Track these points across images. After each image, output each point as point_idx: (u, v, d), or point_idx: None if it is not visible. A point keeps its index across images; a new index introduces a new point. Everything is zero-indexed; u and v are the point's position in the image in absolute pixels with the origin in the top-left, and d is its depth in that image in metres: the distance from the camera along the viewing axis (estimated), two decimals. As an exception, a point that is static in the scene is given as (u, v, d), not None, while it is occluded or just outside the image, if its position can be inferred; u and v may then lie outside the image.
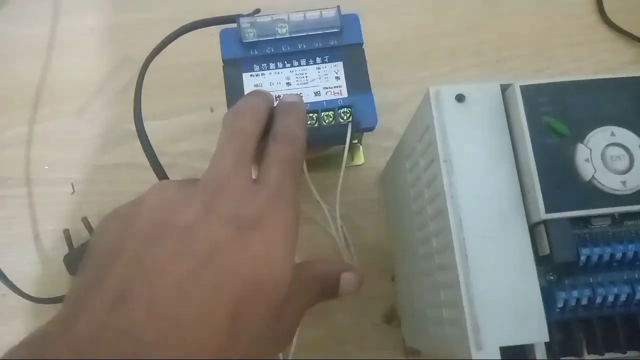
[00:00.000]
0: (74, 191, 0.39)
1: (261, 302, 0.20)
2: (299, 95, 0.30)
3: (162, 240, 0.20)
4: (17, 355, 0.17)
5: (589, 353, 0.22)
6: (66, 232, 0.38)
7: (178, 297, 0.19)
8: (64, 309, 0.19)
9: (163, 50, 0.32)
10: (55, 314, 0.18)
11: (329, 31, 0.31)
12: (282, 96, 0.30)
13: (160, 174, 0.32)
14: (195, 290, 0.19)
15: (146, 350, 0.17)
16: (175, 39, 0.32)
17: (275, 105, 0.28)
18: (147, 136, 0.31)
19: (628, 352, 0.22)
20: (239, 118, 0.25)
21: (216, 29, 0.32)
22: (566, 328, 0.22)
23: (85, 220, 0.38)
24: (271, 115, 0.26)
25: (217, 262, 0.19)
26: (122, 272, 0.19)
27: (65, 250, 0.37)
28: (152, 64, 0.33)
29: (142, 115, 0.31)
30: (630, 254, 0.22)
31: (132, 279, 0.19)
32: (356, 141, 0.39)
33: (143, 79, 0.32)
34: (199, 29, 0.33)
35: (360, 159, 0.40)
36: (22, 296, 0.36)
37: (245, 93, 0.31)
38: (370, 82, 0.31)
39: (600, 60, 0.42)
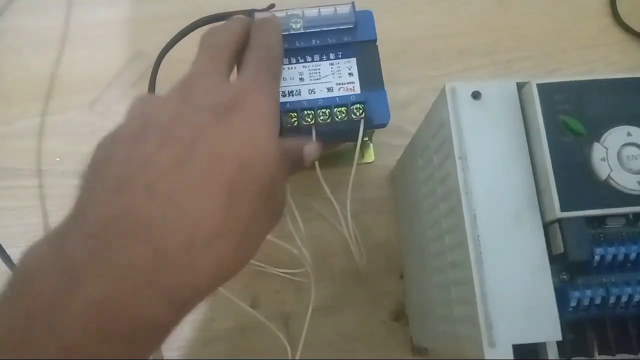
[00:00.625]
0: (84, 183, 0.40)
1: (252, 180, 0.21)
2: (272, 13, 0.30)
3: (147, 135, 0.21)
4: (38, 253, 0.19)
5: (600, 353, 0.22)
6: (76, 224, 0.38)
7: (173, 179, 0.20)
8: (70, 213, 0.20)
9: (176, 45, 0.33)
10: (59, 223, 0.19)
11: (343, 27, 0.31)
12: None
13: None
14: (188, 172, 0.20)
15: (153, 230, 0.19)
16: (190, 32, 0.32)
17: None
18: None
19: (640, 353, 0.22)
20: (214, 34, 0.26)
21: (229, 24, 0.32)
22: (578, 328, 0.22)
23: (95, 213, 0.38)
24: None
25: (203, 145, 0.21)
26: (116, 168, 0.20)
27: (75, 241, 0.37)
28: (164, 58, 0.33)
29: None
30: (644, 255, 0.22)
31: (126, 170, 0.20)
32: (367, 139, 0.39)
33: (157, 72, 0.32)
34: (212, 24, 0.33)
35: (370, 156, 0.40)
36: (32, 286, 0.36)
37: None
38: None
39: (612, 62, 0.42)
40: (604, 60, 0.42)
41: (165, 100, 0.22)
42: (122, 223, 0.19)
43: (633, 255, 0.22)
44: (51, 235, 0.19)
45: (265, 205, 0.22)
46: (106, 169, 0.20)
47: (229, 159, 0.21)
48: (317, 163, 0.31)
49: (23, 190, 0.39)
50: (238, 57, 0.27)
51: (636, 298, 0.22)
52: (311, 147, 0.28)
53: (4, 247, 0.36)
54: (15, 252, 0.36)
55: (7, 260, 0.36)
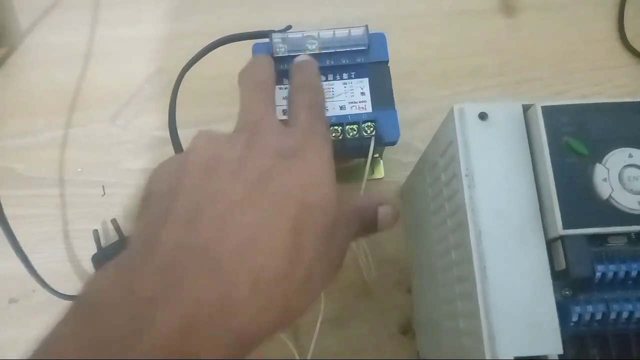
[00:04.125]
0: (104, 193, 0.41)
1: (315, 221, 0.21)
2: (308, 55, 0.31)
3: (216, 170, 0.21)
4: (104, 286, 0.18)
5: (602, 369, 0.23)
6: (95, 233, 0.39)
7: (243, 216, 0.20)
8: (133, 245, 0.20)
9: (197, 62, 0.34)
10: (121, 255, 0.19)
11: (357, 49, 0.33)
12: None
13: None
14: (257, 209, 0.20)
15: (222, 267, 0.19)
16: (211, 50, 0.33)
17: (290, 67, 0.31)
18: (180, 141, 0.32)
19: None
20: (257, 71, 0.28)
21: (248, 44, 0.34)
22: (581, 343, 0.23)
23: (114, 222, 0.39)
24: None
25: (271, 184, 0.21)
26: (186, 200, 0.20)
27: (93, 249, 0.39)
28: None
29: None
30: (645, 273, 0.23)
31: (197, 203, 0.20)
32: (377, 155, 0.40)
33: (179, 88, 0.34)
34: (231, 43, 0.34)
35: (380, 172, 0.41)
36: (51, 292, 0.37)
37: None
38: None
39: (620, 85, 0.43)
40: (611, 82, 0.43)
41: (232, 141, 0.23)
42: (192, 259, 0.19)
43: (634, 273, 0.23)
44: (117, 267, 0.19)
45: (328, 249, 0.22)
46: (175, 199, 0.20)
47: (295, 200, 0.21)
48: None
49: (45, 199, 0.41)
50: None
51: (637, 315, 0.22)
52: (387, 210, 0.26)
53: (25, 253, 0.37)
54: (36, 259, 0.37)
55: (29, 266, 0.37)
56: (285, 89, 0.32)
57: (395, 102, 0.32)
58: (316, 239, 0.21)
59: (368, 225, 0.25)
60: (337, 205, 0.22)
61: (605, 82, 0.43)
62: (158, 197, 0.21)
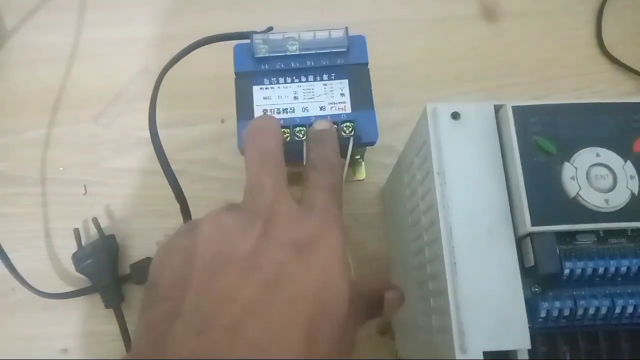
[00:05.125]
0: (86, 192, 0.41)
1: (328, 321, 0.21)
2: (329, 121, 0.31)
3: (227, 269, 0.20)
4: None
5: (571, 365, 0.23)
6: (76, 231, 0.39)
7: (255, 321, 0.19)
8: (142, 344, 0.20)
9: (178, 63, 0.34)
10: (130, 353, 0.19)
11: (337, 50, 0.33)
12: (314, 121, 0.31)
13: (172, 178, 0.33)
14: (270, 314, 0.19)
15: None
16: (192, 50, 0.34)
17: (308, 132, 0.30)
18: (160, 142, 0.33)
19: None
20: (261, 137, 0.25)
21: (229, 46, 0.34)
22: (550, 340, 0.23)
23: (95, 221, 0.39)
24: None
25: (285, 285, 0.20)
26: (196, 303, 0.19)
27: (74, 248, 0.39)
28: (167, 76, 0.34)
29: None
30: (612, 270, 0.23)
31: (208, 309, 0.19)
32: (358, 157, 0.40)
33: (159, 88, 0.34)
34: (214, 44, 0.35)
35: (362, 174, 0.41)
36: (31, 290, 0.37)
37: (254, 104, 0.32)
38: (375, 101, 0.33)
39: (598, 90, 0.44)
40: (590, 88, 0.44)
41: (245, 231, 0.21)
42: None
43: (601, 270, 0.23)
44: None
45: (340, 342, 0.22)
46: (183, 299, 0.19)
47: (308, 300, 0.20)
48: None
49: (26, 197, 0.41)
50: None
51: (603, 310, 0.23)
52: (393, 295, 0.25)
53: (6, 251, 0.37)
54: (16, 257, 0.38)
55: (9, 264, 0.37)
56: (266, 89, 0.33)
57: (374, 104, 0.33)
58: (329, 337, 0.21)
59: (375, 311, 0.25)
60: (350, 300, 0.22)
61: (584, 88, 0.44)
62: (165, 291, 0.20)
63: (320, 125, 0.30)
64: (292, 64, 0.33)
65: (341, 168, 0.27)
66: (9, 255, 0.37)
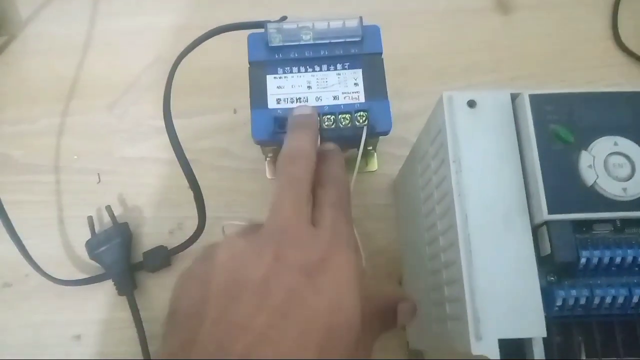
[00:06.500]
0: (99, 181, 0.41)
1: (340, 343, 0.21)
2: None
3: (241, 295, 0.21)
4: None
5: (586, 356, 0.23)
6: (89, 219, 0.39)
7: (268, 349, 0.19)
8: None
9: (192, 53, 0.34)
10: None
11: (351, 40, 0.33)
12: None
13: (186, 166, 0.34)
14: (283, 340, 0.20)
15: None
16: (206, 39, 0.34)
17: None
18: (175, 131, 0.33)
19: (625, 358, 0.23)
20: (294, 165, 0.26)
21: (242, 36, 0.34)
22: (565, 330, 0.23)
23: (108, 209, 0.39)
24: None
25: (296, 310, 0.21)
26: (212, 331, 0.20)
27: (87, 235, 0.39)
28: (181, 66, 0.35)
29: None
30: (629, 259, 0.23)
31: (223, 336, 0.20)
32: (371, 148, 0.40)
33: (173, 78, 0.34)
34: (227, 34, 0.35)
35: (374, 165, 0.41)
36: (45, 277, 0.38)
37: (268, 93, 0.32)
38: (388, 91, 0.33)
39: (613, 83, 0.44)
40: (604, 81, 0.44)
41: (258, 255, 0.22)
42: None
43: (618, 259, 0.23)
44: None
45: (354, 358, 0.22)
46: (200, 326, 0.20)
47: (319, 325, 0.21)
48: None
49: (41, 185, 0.41)
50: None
51: (620, 300, 0.23)
52: (407, 307, 0.26)
53: (20, 238, 0.37)
54: (30, 244, 0.38)
55: (24, 250, 0.37)
56: (280, 78, 0.33)
57: (388, 93, 0.33)
58: (341, 356, 0.21)
59: (389, 323, 0.25)
60: (362, 318, 0.22)
61: (599, 81, 0.44)
62: (183, 319, 0.21)
63: (325, 147, 0.29)
64: (306, 54, 0.33)
65: (347, 182, 0.27)
66: (24, 242, 0.37)
